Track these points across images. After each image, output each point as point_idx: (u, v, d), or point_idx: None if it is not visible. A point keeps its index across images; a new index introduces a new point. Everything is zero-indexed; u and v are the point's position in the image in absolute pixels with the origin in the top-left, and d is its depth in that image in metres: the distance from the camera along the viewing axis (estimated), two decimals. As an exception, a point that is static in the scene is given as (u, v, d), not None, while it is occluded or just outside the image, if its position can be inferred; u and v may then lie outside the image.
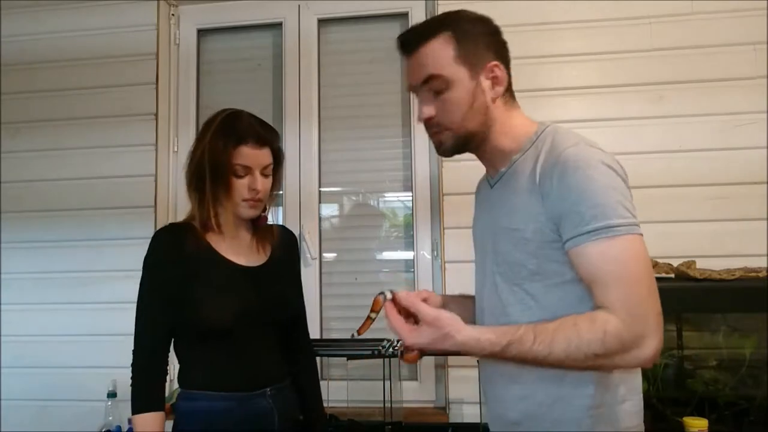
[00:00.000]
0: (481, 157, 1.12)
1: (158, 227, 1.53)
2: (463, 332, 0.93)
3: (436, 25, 1.04)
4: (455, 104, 1.02)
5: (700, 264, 1.69)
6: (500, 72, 1.04)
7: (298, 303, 1.47)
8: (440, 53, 1.01)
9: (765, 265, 1.66)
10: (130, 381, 1.27)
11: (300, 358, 1.45)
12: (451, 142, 1.05)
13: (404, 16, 2.27)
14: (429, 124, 1.06)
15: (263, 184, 1.31)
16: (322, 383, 2.13)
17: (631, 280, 0.90)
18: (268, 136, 1.32)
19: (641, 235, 0.92)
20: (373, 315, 1.04)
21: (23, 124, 2.31)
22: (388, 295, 1.01)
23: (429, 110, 1.04)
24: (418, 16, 2.24)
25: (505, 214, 1.03)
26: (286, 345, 1.39)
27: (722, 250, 1.86)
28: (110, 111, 2.25)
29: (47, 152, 2.28)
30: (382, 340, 1.92)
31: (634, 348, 0.88)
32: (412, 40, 1.04)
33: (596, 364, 0.90)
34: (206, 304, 1.25)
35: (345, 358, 2.02)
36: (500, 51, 1.06)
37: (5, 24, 2.35)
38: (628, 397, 0.99)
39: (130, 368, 1.28)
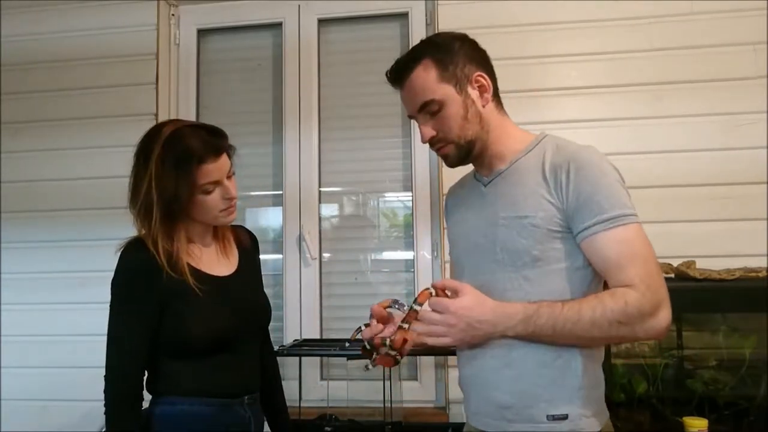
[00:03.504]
0: (480, 162, 1.18)
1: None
2: (487, 315, 1.01)
3: (415, 55, 1.13)
4: (451, 119, 1.11)
5: (700, 264, 1.68)
6: (485, 80, 1.13)
7: (270, 306, 1.42)
8: (425, 79, 1.10)
9: (765, 265, 1.66)
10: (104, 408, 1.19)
11: (267, 362, 1.42)
12: (455, 152, 1.13)
13: (404, 16, 2.27)
14: (432, 141, 1.14)
15: (233, 187, 1.27)
16: (322, 383, 2.16)
17: (644, 259, 1.01)
18: (220, 142, 1.24)
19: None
20: (417, 307, 1.06)
21: (23, 124, 2.31)
22: (433, 292, 1.06)
23: (429, 131, 1.13)
24: (417, 16, 2.24)
25: (509, 205, 1.10)
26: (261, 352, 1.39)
27: (722, 250, 1.86)
28: (110, 111, 2.25)
29: (47, 152, 2.28)
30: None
31: (651, 318, 0.98)
32: (398, 75, 1.13)
33: (619, 334, 0.99)
34: (196, 322, 1.21)
35: (345, 358, 2.02)
36: (481, 61, 1.15)
37: (5, 24, 2.35)
38: (600, 383, 1.10)
39: (104, 395, 1.19)
